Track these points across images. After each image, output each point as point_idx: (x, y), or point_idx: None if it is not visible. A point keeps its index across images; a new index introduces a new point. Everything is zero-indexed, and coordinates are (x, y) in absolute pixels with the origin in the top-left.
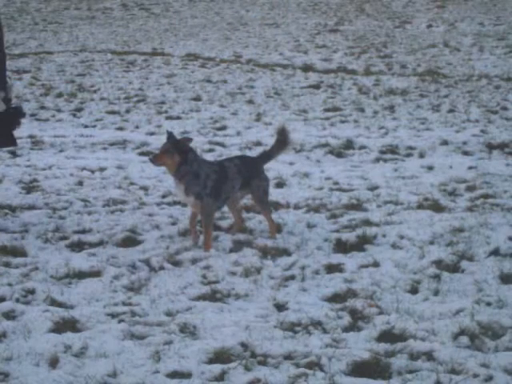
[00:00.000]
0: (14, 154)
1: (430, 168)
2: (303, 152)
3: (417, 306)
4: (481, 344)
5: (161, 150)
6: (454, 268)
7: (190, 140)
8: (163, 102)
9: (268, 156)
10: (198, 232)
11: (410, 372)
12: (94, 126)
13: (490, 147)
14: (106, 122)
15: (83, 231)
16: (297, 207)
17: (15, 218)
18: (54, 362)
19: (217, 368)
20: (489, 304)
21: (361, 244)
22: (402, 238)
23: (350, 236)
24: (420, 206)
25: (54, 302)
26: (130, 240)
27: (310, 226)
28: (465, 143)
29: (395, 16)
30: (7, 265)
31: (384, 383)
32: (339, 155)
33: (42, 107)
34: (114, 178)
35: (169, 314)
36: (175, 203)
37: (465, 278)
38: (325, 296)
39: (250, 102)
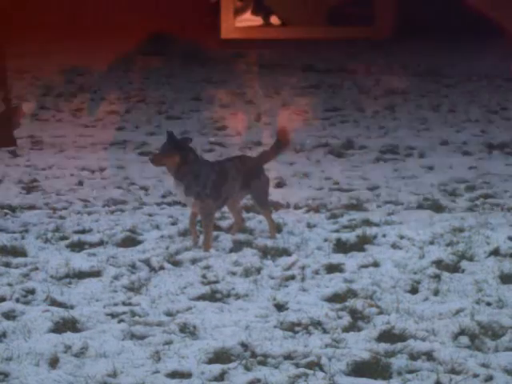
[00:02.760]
0: (13, 154)
1: (430, 168)
2: (303, 152)
3: (417, 306)
4: (481, 344)
5: (161, 150)
6: (454, 268)
7: (190, 140)
8: (163, 102)
9: (268, 156)
10: (198, 232)
11: (410, 372)
12: (94, 126)
13: (490, 147)
14: (106, 122)
15: (83, 231)
16: (297, 207)
17: (15, 218)
18: (53, 362)
19: (217, 368)
20: (489, 304)
21: (361, 244)
22: (401, 238)
23: (350, 236)
24: (420, 206)
25: (54, 302)
26: (130, 240)
27: (310, 226)
28: (465, 143)
29: None
30: (7, 265)
31: (384, 383)
32: (339, 155)
33: (42, 107)
34: (113, 178)
35: (169, 314)
36: (175, 203)
37: (465, 278)
38: (325, 296)
39: (250, 102)
